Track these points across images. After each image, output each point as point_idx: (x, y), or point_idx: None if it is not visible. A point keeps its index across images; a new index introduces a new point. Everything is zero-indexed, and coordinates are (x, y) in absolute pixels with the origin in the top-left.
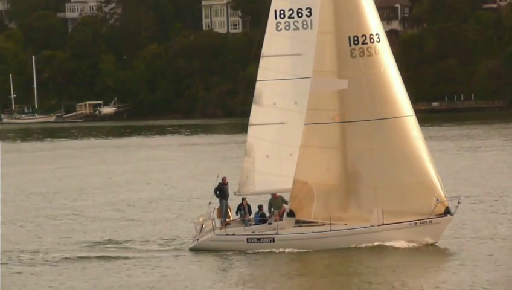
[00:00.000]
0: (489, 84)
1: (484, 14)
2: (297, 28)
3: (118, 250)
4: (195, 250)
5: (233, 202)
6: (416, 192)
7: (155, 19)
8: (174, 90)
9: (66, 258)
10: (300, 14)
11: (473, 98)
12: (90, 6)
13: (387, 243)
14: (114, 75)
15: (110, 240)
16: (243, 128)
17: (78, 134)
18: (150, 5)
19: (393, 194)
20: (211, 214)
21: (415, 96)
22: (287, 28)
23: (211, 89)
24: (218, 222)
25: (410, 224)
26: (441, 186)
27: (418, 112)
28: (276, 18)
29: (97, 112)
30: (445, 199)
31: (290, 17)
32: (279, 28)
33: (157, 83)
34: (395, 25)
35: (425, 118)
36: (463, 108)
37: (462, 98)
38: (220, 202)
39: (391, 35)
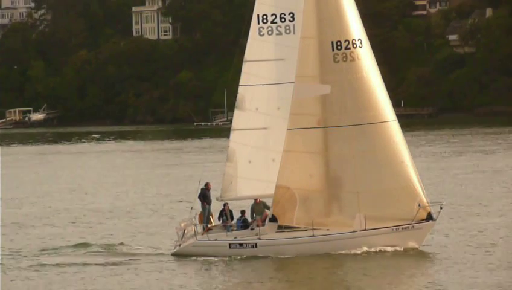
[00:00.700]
0: (418, 91)
1: (414, 21)
2: (280, 33)
3: (94, 256)
4: (177, 255)
5: (216, 207)
6: (398, 197)
7: (85, 25)
8: (104, 96)
9: (41, 264)
10: (283, 19)
11: (402, 104)
12: (20, 13)
13: (369, 249)
14: (44, 82)
15: (85, 245)
16: (173, 134)
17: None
18: (79, 11)
19: (375, 199)
20: (193, 219)
21: None
22: (270, 32)
23: (141, 95)
24: (200, 228)
25: (393, 229)
26: (423, 191)
27: None
28: (259, 23)
29: (27, 118)
30: (427, 204)
31: (272, 22)
32: (261, 33)
33: (87, 89)
34: None
35: None
36: None
37: (392, 105)
38: (203, 207)
39: None
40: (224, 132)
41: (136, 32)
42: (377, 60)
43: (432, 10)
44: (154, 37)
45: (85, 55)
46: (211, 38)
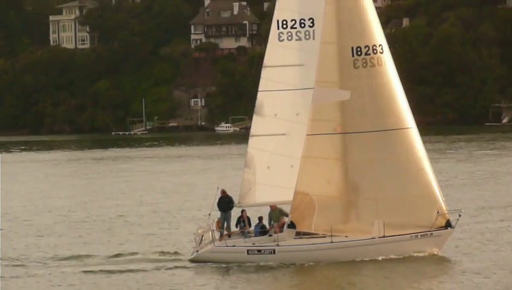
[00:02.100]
0: None
1: None
2: (300, 39)
3: (113, 264)
4: (195, 262)
5: (234, 213)
6: (417, 204)
7: (2, 34)
8: (21, 106)
9: (62, 272)
10: (303, 25)
11: None
12: None
13: (388, 256)
14: None
15: (99, 254)
16: (92, 144)
17: None
18: None
19: (394, 206)
20: (211, 225)
21: None
22: (290, 38)
23: (58, 104)
24: (217, 234)
25: (411, 237)
26: (442, 199)
27: None
28: (278, 28)
29: None
30: (446, 211)
31: (292, 27)
32: (281, 39)
33: (4, 98)
34: (244, 42)
35: None
36: None
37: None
38: (221, 214)
39: (239, 52)
40: (143, 141)
41: (54, 41)
42: None
43: None
44: (71, 46)
45: (2, 64)
46: (128, 48)
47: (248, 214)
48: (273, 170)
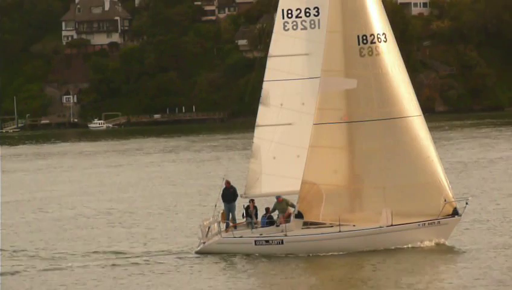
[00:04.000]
0: (209, 96)
1: (203, 26)
2: (305, 28)
3: (119, 257)
4: (201, 253)
5: (240, 203)
6: (424, 192)
7: None
8: None
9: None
10: (308, 14)
11: (194, 109)
12: None
13: (395, 244)
14: None
15: (110, 247)
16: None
17: None
18: None
19: (401, 194)
20: (217, 217)
21: (137, 109)
22: (295, 27)
23: None
24: (223, 226)
25: (419, 225)
26: (448, 187)
27: (139, 124)
28: (283, 18)
29: None
30: (453, 199)
31: (297, 16)
32: (286, 28)
33: None
34: (115, 37)
35: (146, 130)
36: (185, 120)
37: (184, 110)
38: (225, 205)
39: (112, 48)
40: (15, 139)
41: None
42: (168, 65)
43: (221, 15)
44: None
45: None
46: None
47: (255, 204)
48: (279, 160)
